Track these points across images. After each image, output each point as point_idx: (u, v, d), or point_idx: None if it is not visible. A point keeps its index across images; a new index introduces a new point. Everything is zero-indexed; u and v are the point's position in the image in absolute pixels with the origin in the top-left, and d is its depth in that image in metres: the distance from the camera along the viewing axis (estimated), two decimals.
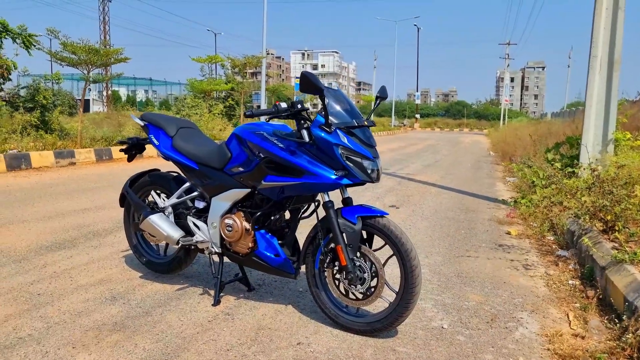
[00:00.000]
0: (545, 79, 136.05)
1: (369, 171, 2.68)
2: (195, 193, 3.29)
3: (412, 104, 69.23)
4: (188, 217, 3.28)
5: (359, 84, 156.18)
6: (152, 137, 3.41)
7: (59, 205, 6.40)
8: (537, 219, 5.87)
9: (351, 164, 2.65)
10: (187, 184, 3.33)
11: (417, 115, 54.92)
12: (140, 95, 65.23)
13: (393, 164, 13.19)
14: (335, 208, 2.81)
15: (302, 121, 2.75)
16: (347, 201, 2.90)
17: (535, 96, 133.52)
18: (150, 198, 3.55)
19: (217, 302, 3.19)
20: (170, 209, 3.39)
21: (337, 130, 2.64)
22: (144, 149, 3.69)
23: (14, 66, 17.10)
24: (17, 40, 15.47)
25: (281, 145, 2.79)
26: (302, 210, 3.14)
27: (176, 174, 3.53)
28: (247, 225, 3.01)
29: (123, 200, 3.72)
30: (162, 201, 3.43)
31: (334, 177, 2.64)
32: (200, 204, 3.28)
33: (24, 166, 9.77)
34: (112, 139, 13.18)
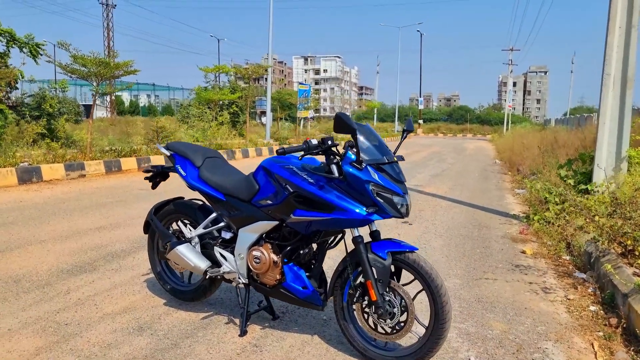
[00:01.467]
0: (548, 84, 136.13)
1: (399, 207, 2.70)
2: (222, 224, 3.32)
3: (415, 109, 69.29)
4: (215, 247, 3.30)
5: (360, 88, 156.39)
6: (179, 168, 3.44)
7: (74, 223, 6.44)
8: (552, 238, 5.88)
9: (382, 200, 2.67)
10: (214, 215, 3.35)
11: (420, 121, 54.98)
12: (143, 101, 65.44)
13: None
14: (364, 242, 2.84)
15: (332, 156, 2.78)
16: (375, 234, 2.92)
17: (538, 101, 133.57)
18: (175, 226, 3.57)
19: (243, 332, 3.21)
20: (196, 239, 3.41)
21: (368, 167, 2.67)
22: (168, 176, 3.72)
23: (21, 75, 17.24)
24: (24, 49, 15.59)
25: (310, 180, 2.81)
26: (329, 242, 3.16)
27: (201, 203, 3.56)
28: (275, 258, 3.04)
29: (147, 227, 3.74)
30: (188, 231, 3.46)
31: (364, 213, 2.67)
32: (227, 235, 3.31)
33: (35, 179, 9.82)
34: (120, 151, 13.23)
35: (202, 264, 3.29)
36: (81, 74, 11.00)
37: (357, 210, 2.69)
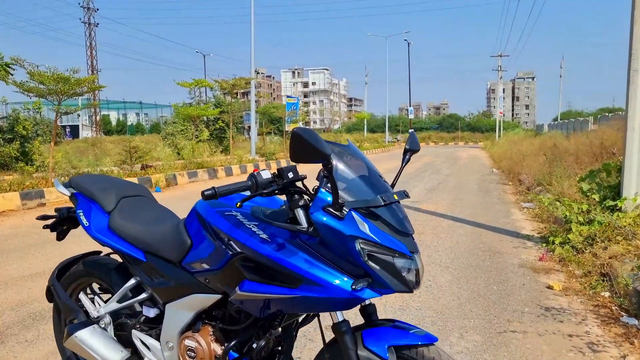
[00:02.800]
0: (536, 89, 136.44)
1: (405, 274, 1.69)
2: (144, 295, 2.28)
3: (404, 119, 68.57)
4: (133, 330, 2.26)
5: (350, 100, 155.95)
6: (81, 214, 2.40)
7: (6, 268, 5.35)
8: (582, 267, 4.88)
9: (377, 266, 1.66)
10: (133, 281, 2.31)
11: (411, 130, 54.26)
12: (132, 119, 64.33)
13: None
14: (353, 327, 1.82)
15: (297, 197, 1.76)
16: (368, 312, 1.90)
17: (527, 106, 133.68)
18: (86, 300, 2.51)
19: None
20: (107, 318, 2.37)
21: (353, 214, 1.66)
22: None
23: None
24: None
25: (263, 236, 1.79)
26: (300, 321, 2.14)
27: (121, 261, 2.52)
28: (218, 350, 2.00)
29: (51, 295, 2.69)
30: (94, 306, 2.41)
31: (349, 288, 1.65)
32: (150, 312, 2.26)
33: None
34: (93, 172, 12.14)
35: (115, 355, 2.24)
36: (39, 92, 9.94)
37: (338, 284, 1.68)
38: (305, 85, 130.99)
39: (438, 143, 53.35)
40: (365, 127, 59.36)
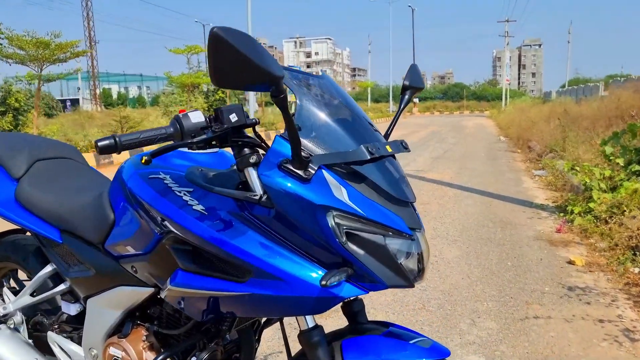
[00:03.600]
0: (543, 57, 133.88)
1: (402, 260, 1.15)
2: (63, 286, 1.75)
3: None
4: (49, 333, 1.74)
5: (353, 70, 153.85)
6: None
7: None
8: (606, 239, 4.34)
9: (360, 250, 1.12)
10: (50, 268, 1.78)
11: (416, 100, 53.14)
12: (133, 92, 63.51)
13: (398, 159, 11.60)
14: (329, 334, 1.30)
15: (246, 150, 1.21)
16: (353, 311, 1.38)
17: (533, 74, 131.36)
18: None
19: None
20: (19, 316, 1.85)
21: (325, 173, 1.12)
22: None
23: None
24: None
25: (198, 207, 1.25)
26: (265, 320, 1.62)
27: None
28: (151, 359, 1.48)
29: None
30: (5, 300, 1.89)
31: (318, 283, 1.10)
32: (70, 309, 1.73)
33: None
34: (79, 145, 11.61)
35: None
36: (19, 57, 9.34)
37: (303, 277, 1.14)
38: (308, 55, 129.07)
39: (443, 112, 52.28)
40: (369, 97, 58.30)
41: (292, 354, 1.38)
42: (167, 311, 1.52)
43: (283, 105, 1.01)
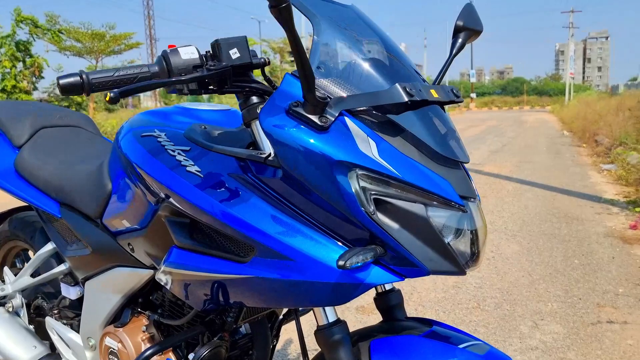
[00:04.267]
0: (610, 50, 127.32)
1: (450, 239, 0.87)
2: (63, 267, 1.56)
3: (466, 84, 65.61)
4: (48, 318, 1.56)
5: None
6: None
7: None
8: None
9: (393, 223, 0.84)
10: (51, 246, 1.59)
11: (473, 95, 51.56)
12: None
13: None
14: (355, 334, 1.03)
15: (255, 98, 0.96)
16: (389, 304, 1.11)
17: (599, 68, 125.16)
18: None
19: None
20: (19, 298, 1.68)
21: (348, 120, 0.85)
22: None
23: (46, 64, 16.17)
24: (46, 36, 14.39)
25: (192, 169, 1.01)
26: (279, 317, 1.37)
27: None
28: (152, 356, 1.26)
29: None
30: (5, 280, 1.71)
31: (338, 264, 0.83)
32: (70, 292, 1.54)
33: None
34: None
35: (24, 353, 1.55)
36: (76, 50, 9.51)
37: (319, 256, 0.88)
38: None
39: (502, 107, 50.56)
40: None
41: (310, 357, 1.12)
42: (169, 298, 1.29)
43: (286, 20, 0.75)
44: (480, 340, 0.98)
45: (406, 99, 0.84)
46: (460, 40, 1.14)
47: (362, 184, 0.84)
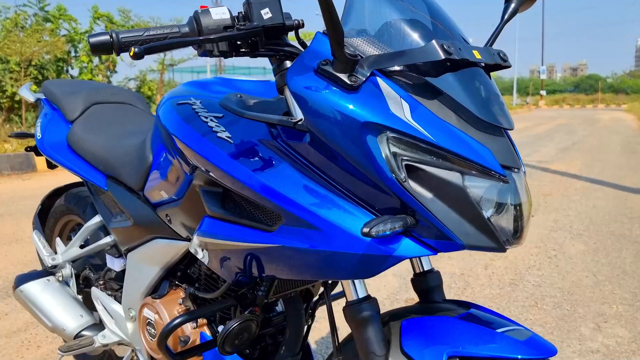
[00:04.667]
0: None
1: (489, 212, 0.80)
2: (108, 239, 1.58)
3: (536, 81, 63.12)
4: (93, 289, 1.60)
5: None
6: (38, 124, 1.77)
7: None
8: None
9: (427, 192, 0.79)
10: (97, 218, 1.63)
11: (543, 92, 49.49)
12: None
13: (519, 149, 10.68)
14: (387, 314, 0.98)
15: (288, 62, 0.93)
16: (427, 286, 1.06)
17: None
18: (39, 242, 1.86)
19: None
20: (68, 268, 1.73)
21: (380, 80, 0.80)
22: None
23: (120, 59, 16.93)
24: None
25: (223, 135, 0.99)
26: (318, 296, 1.33)
27: None
28: (187, 328, 1.26)
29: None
30: (47, 253, 1.76)
31: (362, 231, 0.77)
32: (115, 264, 1.57)
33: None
34: None
35: (71, 321, 1.59)
36: None
37: (345, 226, 0.83)
38: None
39: (574, 106, 48.23)
40: None
41: (338, 339, 1.08)
42: (205, 272, 1.28)
43: None
44: (522, 326, 0.91)
45: (443, 57, 0.78)
46: (513, 5, 1.05)
47: (393, 148, 0.78)
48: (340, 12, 0.82)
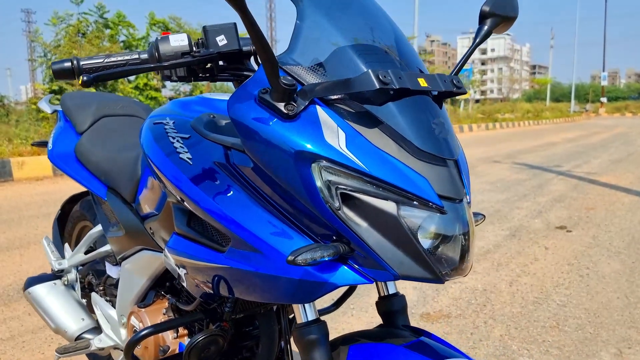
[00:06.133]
0: None
1: (425, 242, 0.79)
2: (108, 247, 1.66)
3: (596, 87, 60.60)
4: (93, 294, 1.67)
5: (533, 67, 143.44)
6: (52, 135, 1.87)
7: None
8: None
9: (362, 221, 0.79)
10: (100, 226, 1.71)
11: (603, 99, 47.53)
12: None
13: (568, 159, 10.33)
14: (338, 339, 0.99)
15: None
16: (391, 308, 1.06)
17: None
18: (47, 247, 1.96)
19: None
20: (74, 273, 1.81)
21: (318, 108, 0.82)
22: None
23: None
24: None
25: (185, 156, 1.02)
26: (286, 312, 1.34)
27: None
28: (167, 337, 1.30)
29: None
30: (54, 257, 1.85)
31: (287, 259, 0.78)
32: (113, 271, 1.64)
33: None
34: None
35: (72, 323, 1.67)
36: None
37: (284, 250, 0.85)
38: (484, 52, 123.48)
39: (637, 113, 46.03)
40: (548, 95, 53.69)
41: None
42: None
43: (238, 2, 0.72)
44: (468, 357, 0.89)
45: (377, 86, 0.78)
46: (486, 28, 1.04)
47: (327, 177, 0.79)
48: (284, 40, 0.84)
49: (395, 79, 0.80)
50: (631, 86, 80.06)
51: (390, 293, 1.08)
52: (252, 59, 1.01)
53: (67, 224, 2.13)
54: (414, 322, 2.62)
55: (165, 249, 1.11)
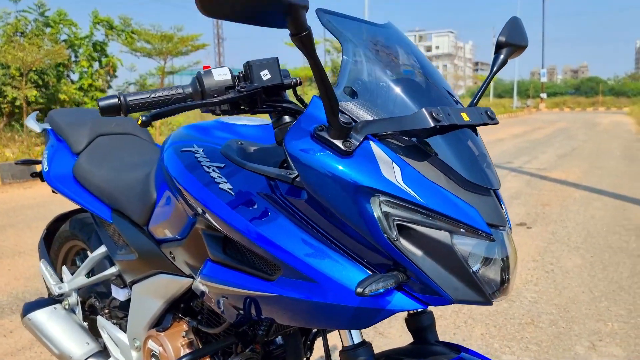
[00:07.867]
0: None
1: (477, 268, 0.84)
2: (114, 269, 1.63)
3: (536, 83, 63.12)
4: (99, 317, 1.64)
5: (476, 64, 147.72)
6: (45, 156, 1.82)
7: None
8: None
9: (417, 250, 0.83)
10: (103, 249, 1.68)
11: (543, 95, 49.51)
12: None
13: (517, 155, 10.75)
14: (381, 355, 1.02)
15: (287, 117, 0.98)
16: (420, 325, 1.10)
17: None
18: (46, 271, 1.91)
19: None
20: (74, 297, 1.77)
21: (373, 144, 0.84)
22: None
23: (120, 63, 16.98)
24: (120, 37, 15.12)
25: (225, 186, 1.04)
26: (316, 330, 1.38)
27: None
28: None
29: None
30: (53, 281, 1.81)
31: (356, 291, 0.82)
32: (120, 294, 1.62)
33: None
34: None
35: (77, 348, 1.64)
36: (145, 51, 9.94)
37: (341, 280, 0.88)
38: (428, 49, 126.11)
39: (574, 109, 48.28)
40: (492, 92, 55.49)
41: None
42: (207, 307, 1.33)
43: (307, 47, 0.75)
44: None
45: (432, 124, 0.82)
46: (502, 57, 1.11)
47: (385, 209, 0.83)
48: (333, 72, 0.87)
49: (445, 116, 0.84)
50: (568, 82, 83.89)
51: (419, 311, 1.13)
52: (286, 91, 1.03)
53: (53, 244, 2.07)
54: (397, 325, 2.70)
55: (199, 277, 1.11)
